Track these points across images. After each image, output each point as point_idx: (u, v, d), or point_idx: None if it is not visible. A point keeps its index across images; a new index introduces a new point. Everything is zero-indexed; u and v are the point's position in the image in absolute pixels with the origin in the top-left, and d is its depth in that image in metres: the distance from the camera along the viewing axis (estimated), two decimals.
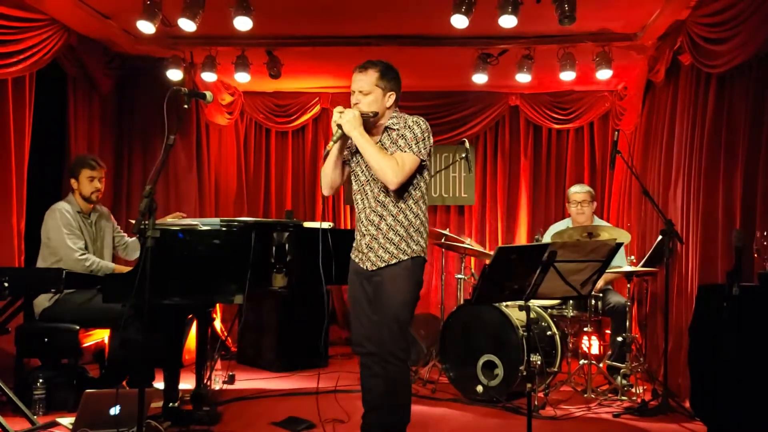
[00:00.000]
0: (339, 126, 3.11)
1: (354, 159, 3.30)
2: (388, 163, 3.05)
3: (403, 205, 3.16)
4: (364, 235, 3.23)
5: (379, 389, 3.22)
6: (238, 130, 7.23)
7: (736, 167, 4.13)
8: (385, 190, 3.15)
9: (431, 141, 3.19)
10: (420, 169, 3.16)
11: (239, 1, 4.63)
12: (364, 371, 3.31)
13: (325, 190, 3.36)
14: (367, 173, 3.22)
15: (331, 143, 3.17)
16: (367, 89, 3.15)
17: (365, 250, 3.22)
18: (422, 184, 3.22)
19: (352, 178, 3.33)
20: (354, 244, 3.34)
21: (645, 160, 5.74)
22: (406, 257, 3.13)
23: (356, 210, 3.31)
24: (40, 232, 4.33)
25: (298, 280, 4.06)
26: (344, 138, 3.19)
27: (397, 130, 3.16)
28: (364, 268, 3.22)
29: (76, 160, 4.57)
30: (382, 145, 3.17)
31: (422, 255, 3.20)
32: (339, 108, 3.16)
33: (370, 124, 3.19)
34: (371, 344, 3.23)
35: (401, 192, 3.14)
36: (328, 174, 3.30)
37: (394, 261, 3.13)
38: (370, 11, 5.05)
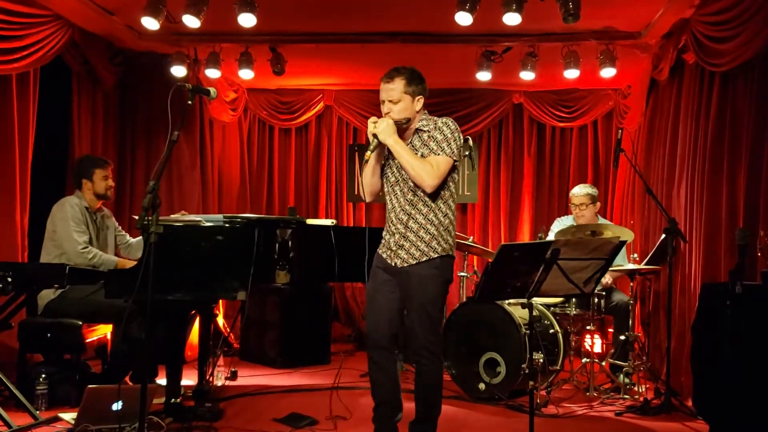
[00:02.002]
0: (374, 135, 3.16)
1: (386, 162, 3.35)
2: (424, 168, 3.12)
3: (432, 205, 3.21)
4: (393, 233, 3.28)
5: (388, 385, 3.30)
6: (241, 126, 7.25)
7: (740, 166, 4.12)
8: (414, 190, 3.20)
9: (461, 140, 3.25)
10: (451, 168, 3.21)
11: None
12: (372, 365, 3.34)
13: (368, 196, 3.40)
14: (397, 174, 3.27)
15: (368, 152, 3.21)
16: (396, 98, 3.20)
17: (394, 248, 3.26)
18: (451, 183, 3.26)
19: (383, 179, 3.37)
20: (382, 242, 3.38)
21: (648, 158, 5.73)
22: (436, 255, 3.19)
23: (387, 209, 3.36)
24: (46, 223, 4.34)
25: (300, 277, 4.06)
26: (381, 146, 3.23)
27: (428, 131, 3.22)
28: (393, 264, 3.26)
29: (86, 161, 4.57)
30: (412, 146, 3.23)
31: (451, 253, 3.26)
32: (373, 118, 3.23)
33: (402, 129, 3.24)
34: (383, 337, 3.28)
35: (431, 192, 3.18)
36: (369, 182, 3.35)
37: (425, 259, 3.18)
38: (374, 8, 5.05)
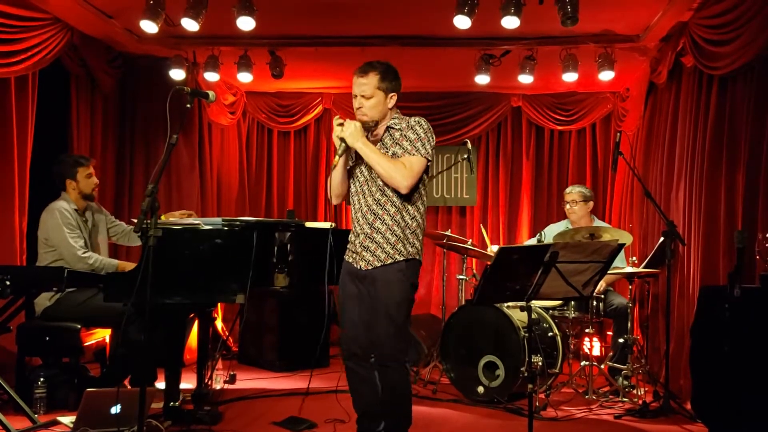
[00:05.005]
0: (342, 140, 3.10)
1: (356, 162, 3.29)
2: (397, 169, 3.05)
3: (401, 206, 3.14)
4: (359, 234, 3.21)
5: (368, 393, 3.23)
6: (240, 130, 7.25)
7: (738, 169, 4.13)
8: (383, 189, 3.14)
9: (434, 140, 3.18)
10: (424, 169, 3.15)
11: (242, 1, 4.63)
12: (350, 375, 3.30)
13: (334, 199, 3.32)
14: (366, 173, 3.20)
15: (336, 158, 3.15)
16: (369, 93, 3.13)
17: (359, 250, 3.19)
18: (421, 185, 3.19)
19: (351, 180, 3.30)
20: (348, 246, 3.32)
21: (647, 161, 5.73)
22: (401, 258, 3.11)
23: (352, 210, 3.29)
24: (37, 232, 4.29)
25: (299, 280, 4.06)
26: (349, 150, 3.18)
27: (400, 130, 3.15)
28: (358, 267, 3.19)
29: (66, 162, 4.42)
30: (383, 145, 3.17)
31: (417, 257, 3.19)
32: (338, 119, 3.16)
33: (372, 130, 3.20)
34: (358, 347, 3.22)
35: (400, 193, 3.11)
36: (337, 184, 3.28)
37: (389, 261, 3.11)
38: (373, 12, 5.05)
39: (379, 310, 3.12)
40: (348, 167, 3.31)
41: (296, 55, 5.85)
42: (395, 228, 3.12)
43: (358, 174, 3.25)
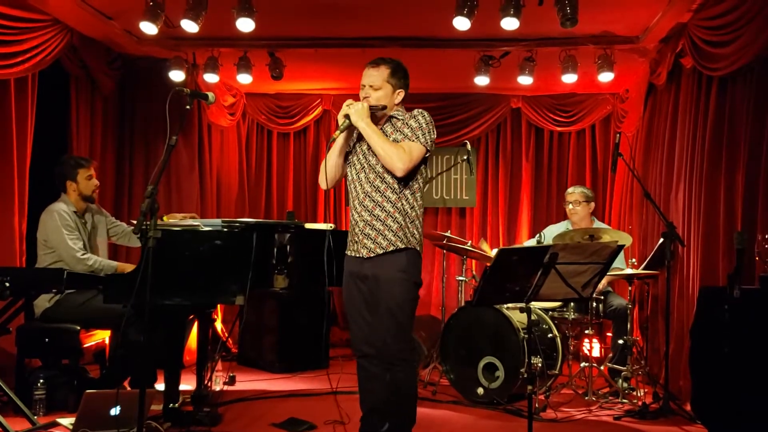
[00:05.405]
0: (346, 116, 3.13)
1: (352, 149, 3.30)
2: (395, 151, 3.06)
3: (400, 194, 3.14)
4: (357, 222, 3.20)
5: (378, 391, 3.22)
6: (240, 131, 7.25)
7: (738, 170, 4.13)
8: (382, 176, 3.14)
9: (435, 134, 3.20)
10: (422, 160, 3.17)
11: (241, 2, 4.63)
12: (361, 373, 3.31)
13: (329, 182, 3.26)
14: (363, 161, 3.21)
15: (337, 132, 3.18)
16: (377, 84, 3.19)
17: (360, 237, 3.18)
18: (419, 177, 3.21)
19: (348, 169, 3.30)
20: (348, 239, 3.31)
21: (646, 162, 5.73)
22: (403, 246, 3.11)
23: (350, 199, 3.28)
24: (37, 233, 4.28)
25: (299, 282, 4.06)
26: (351, 128, 3.20)
27: (402, 120, 3.19)
28: (360, 255, 3.18)
29: (67, 162, 4.43)
30: (383, 132, 3.18)
31: (418, 248, 3.19)
32: (349, 101, 3.18)
33: (376, 116, 3.21)
34: (369, 347, 3.22)
35: (400, 180, 3.13)
36: (332, 166, 3.26)
37: (392, 248, 3.11)
38: (373, 13, 5.06)
39: (382, 310, 3.12)
40: (346, 151, 3.31)
41: (296, 57, 5.85)
42: (397, 215, 3.13)
43: (356, 162, 3.26)
